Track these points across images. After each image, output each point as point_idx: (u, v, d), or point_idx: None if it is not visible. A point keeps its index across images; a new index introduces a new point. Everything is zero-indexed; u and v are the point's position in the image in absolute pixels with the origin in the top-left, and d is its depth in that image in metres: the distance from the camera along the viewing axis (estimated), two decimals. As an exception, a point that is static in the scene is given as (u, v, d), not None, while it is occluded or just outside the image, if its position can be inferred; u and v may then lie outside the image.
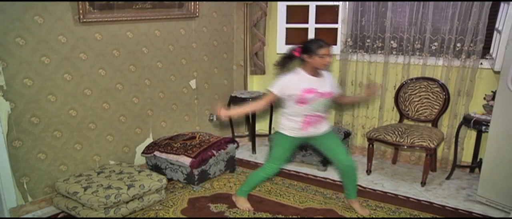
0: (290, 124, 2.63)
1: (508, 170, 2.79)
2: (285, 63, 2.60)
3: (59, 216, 2.86)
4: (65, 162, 3.01)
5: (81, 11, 2.84)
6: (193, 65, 3.85)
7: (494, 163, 2.87)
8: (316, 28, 4.12)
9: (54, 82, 2.84)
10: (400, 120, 3.73)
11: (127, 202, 2.74)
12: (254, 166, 3.77)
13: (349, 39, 3.85)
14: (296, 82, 2.50)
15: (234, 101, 4.16)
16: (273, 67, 2.79)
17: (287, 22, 4.25)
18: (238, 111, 2.81)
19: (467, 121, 3.24)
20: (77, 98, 2.99)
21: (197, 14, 3.70)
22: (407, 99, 3.65)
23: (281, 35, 4.29)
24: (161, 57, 3.54)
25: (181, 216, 2.85)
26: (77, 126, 3.03)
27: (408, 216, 2.83)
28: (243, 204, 2.94)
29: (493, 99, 3.10)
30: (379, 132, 3.39)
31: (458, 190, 3.27)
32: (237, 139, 3.85)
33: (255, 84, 4.57)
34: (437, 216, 2.84)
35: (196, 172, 3.18)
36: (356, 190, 2.86)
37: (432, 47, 3.50)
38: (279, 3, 4.19)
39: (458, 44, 3.40)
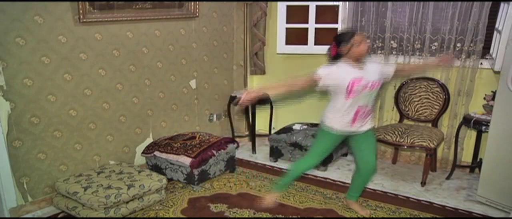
0: (337, 119, 2.55)
1: (508, 170, 2.79)
2: (332, 63, 2.54)
3: (59, 216, 2.86)
4: (65, 162, 3.01)
5: (81, 11, 2.84)
6: (193, 65, 3.85)
7: (494, 163, 2.87)
8: (316, 28, 4.12)
9: (54, 82, 2.84)
10: (400, 120, 3.73)
11: (127, 202, 2.74)
12: (254, 166, 3.77)
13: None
14: (343, 72, 2.43)
15: (234, 101, 4.16)
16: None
17: (287, 22, 4.25)
18: (274, 86, 2.62)
19: (467, 121, 3.24)
20: (77, 98, 2.99)
21: (197, 14, 3.70)
22: (407, 99, 3.65)
23: (281, 35, 4.29)
24: (161, 57, 3.54)
25: (181, 216, 2.85)
26: (77, 126, 3.03)
27: (408, 216, 2.83)
28: (272, 198, 2.87)
29: (493, 99, 3.10)
30: (379, 132, 3.39)
31: (458, 190, 3.27)
32: (237, 139, 3.86)
33: (255, 84, 4.57)
34: (437, 216, 2.84)
35: (196, 172, 3.18)
36: (361, 193, 2.87)
37: (432, 47, 3.50)
38: (279, 3, 4.19)
39: (458, 44, 3.40)
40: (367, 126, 2.62)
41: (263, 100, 4.16)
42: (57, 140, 2.93)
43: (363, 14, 3.72)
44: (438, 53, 3.49)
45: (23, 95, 2.70)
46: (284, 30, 4.28)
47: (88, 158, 3.16)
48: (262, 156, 4.05)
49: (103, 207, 2.60)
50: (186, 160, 3.14)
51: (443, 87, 3.48)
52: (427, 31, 3.46)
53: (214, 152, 3.31)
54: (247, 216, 2.84)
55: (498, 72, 3.07)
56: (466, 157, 3.59)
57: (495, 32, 3.24)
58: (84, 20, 2.88)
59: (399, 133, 3.31)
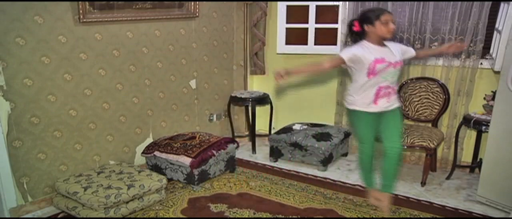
0: (361, 99, 2.56)
1: (508, 170, 2.79)
2: (353, 40, 2.57)
3: (59, 216, 2.86)
4: (65, 162, 3.01)
5: (81, 11, 2.84)
6: (193, 65, 3.85)
7: (494, 163, 2.87)
8: (316, 28, 4.12)
9: (54, 82, 2.84)
10: (400, 120, 3.73)
11: (127, 202, 2.74)
12: (254, 166, 3.77)
13: (349, 39, 3.84)
14: (365, 52, 2.44)
15: (234, 101, 4.17)
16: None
17: (287, 22, 4.25)
18: (300, 69, 2.66)
19: (467, 121, 3.24)
20: (77, 98, 2.99)
21: (197, 14, 3.70)
22: (407, 99, 3.65)
23: (281, 35, 4.29)
24: (161, 57, 3.54)
25: (181, 216, 2.85)
26: (77, 126, 3.03)
27: (408, 216, 2.83)
28: (383, 197, 2.78)
29: (493, 99, 3.10)
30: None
31: (458, 190, 3.27)
32: (237, 139, 3.86)
33: (255, 84, 4.57)
34: (437, 216, 2.84)
35: (196, 172, 3.18)
36: (393, 182, 2.73)
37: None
38: (279, 3, 4.19)
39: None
40: (393, 105, 2.61)
41: (263, 99, 4.17)
42: (57, 140, 2.93)
43: (363, 14, 3.72)
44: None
45: (23, 95, 2.70)
46: (284, 30, 4.28)
47: (88, 158, 3.16)
48: (262, 156, 4.05)
49: (103, 207, 2.60)
50: (186, 160, 3.14)
51: (443, 87, 3.48)
52: (427, 31, 3.46)
53: (214, 152, 3.31)
54: (247, 216, 2.84)
55: (498, 72, 3.07)
56: (466, 157, 3.59)
57: (495, 32, 3.24)
58: (84, 20, 2.88)
59: (399, 133, 3.31)
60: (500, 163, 2.83)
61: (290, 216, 2.84)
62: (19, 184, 2.80)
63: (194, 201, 3.06)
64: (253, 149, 4.16)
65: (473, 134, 3.49)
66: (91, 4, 2.90)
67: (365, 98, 2.56)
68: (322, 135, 3.68)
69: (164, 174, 3.31)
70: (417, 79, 3.61)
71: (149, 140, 3.58)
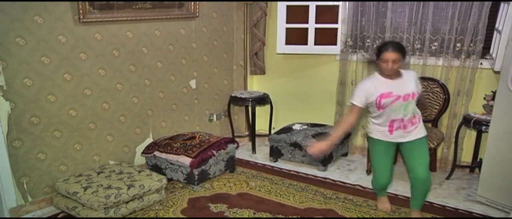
0: (377, 128, 2.56)
1: (508, 170, 2.79)
2: (368, 69, 2.55)
3: (59, 216, 2.86)
4: (65, 162, 3.01)
5: (81, 11, 2.84)
6: (193, 65, 3.85)
7: (494, 163, 2.87)
8: (316, 28, 4.12)
9: (54, 82, 2.84)
10: (400, 120, 3.72)
11: (127, 202, 2.74)
12: (254, 166, 3.77)
13: (349, 39, 3.85)
14: (373, 87, 2.44)
15: (234, 101, 4.17)
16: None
17: (287, 22, 4.25)
18: (333, 140, 2.57)
19: (467, 121, 3.24)
20: (77, 98, 2.99)
21: (197, 14, 3.70)
22: (407, 99, 3.64)
23: (281, 35, 4.28)
24: (161, 57, 3.54)
25: (181, 216, 2.85)
26: (77, 126, 3.03)
27: (408, 216, 2.83)
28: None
29: (493, 99, 3.10)
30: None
31: (458, 190, 3.27)
32: (237, 139, 3.85)
33: (255, 84, 4.57)
34: (437, 216, 2.84)
35: (196, 172, 3.18)
36: (421, 203, 2.67)
37: (432, 47, 3.50)
38: (279, 3, 4.19)
39: (458, 44, 3.40)
40: (412, 135, 2.51)
41: (263, 99, 4.17)
42: (57, 140, 2.93)
43: (363, 14, 3.72)
44: (438, 53, 3.49)
45: (23, 95, 2.70)
46: (284, 30, 4.28)
47: (88, 158, 3.15)
48: (262, 156, 4.05)
49: (103, 207, 2.60)
50: (186, 160, 3.14)
51: (443, 87, 3.48)
52: (427, 31, 3.46)
53: (214, 152, 3.31)
54: (247, 216, 2.84)
55: (498, 72, 3.07)
56: (466, 157, 3.59)
57: (495, 32, 3.24)
58: (84, 20, 2.88)
59: (399, 133, 3.31)
60: (500, 163, 2.83)
61: (290, 216, 2.83)
62: (19, 184, 2.80)
63: (194, 201, 3.06)
64: (253, 149, 4.16)
65: (473, 134, 3.49)
66: (91, 4, 2.90)
67: (381, 128, 2.55)
68: (322, 135, 3.68)
69: (164, 174, 3.31)
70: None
71: (149, 140, 3.58)
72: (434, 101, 3.53)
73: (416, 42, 3.54)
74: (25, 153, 2.78)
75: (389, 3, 3.56)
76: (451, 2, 3.33)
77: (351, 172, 3.64)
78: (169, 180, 3.31)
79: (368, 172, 3.57)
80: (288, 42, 4.30)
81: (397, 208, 2.95)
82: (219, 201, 3.06)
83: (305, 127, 3.92)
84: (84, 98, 3.03)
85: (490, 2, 3.18)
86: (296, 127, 3.93)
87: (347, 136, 3.89)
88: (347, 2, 3.80)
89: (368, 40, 3.75)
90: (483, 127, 3.11)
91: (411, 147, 2.54)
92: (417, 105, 2.53)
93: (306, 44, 4.19)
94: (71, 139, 3.01)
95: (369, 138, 2.72)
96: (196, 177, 3.20)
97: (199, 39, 3.85)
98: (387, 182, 2.74)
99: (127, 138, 3.41)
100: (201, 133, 3.59)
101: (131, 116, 3.39)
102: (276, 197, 3.12)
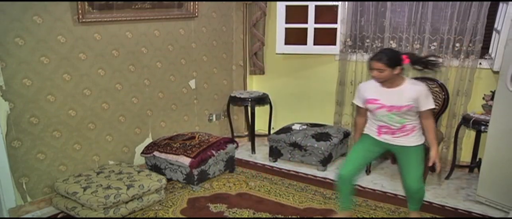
0: (369, 126, 2.61)
1: (507, 169, 2.79)
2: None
3: (58, 216, 2.86)
4: (65, 162, 3.01)
5: (80, 11, 2.84)
6: (192, 65, 3.85)
7: (493, 163, 2.87)
8: (315, 28, 4.12)
9: (53, 82, 2.83)
10: (399, 120, 3.73)
11: (127, 202, 2.74)
12: (253, 166, 3.77)
13: (348, 39, 3.85)
14: (365, 90, 2.51)
15: (234, 101, 4.17)
16: None
17: (286, 22, 4.24)
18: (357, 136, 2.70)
19: (466, 121, 3.24)
20: (76, 98, 2.99)
21: (196, 14, 3.70)
22: (406, 99, 3.64)
23: (280, 35, 4.28)
24: (161, 57, 3.54)
25: (181, 216, 2.85)
26: (77, 126, 3.03)
27: (408, 216, 2.83)
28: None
29: (492, 99, 3.11)
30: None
31: (457, 190, 3.27)
32: (236, 139, 3.86)
33: (255, 84, 4.57)
34: (437, 216, 2.85)
35: (195, 172, 3.18)
36: (418, 206, 2.64)
37: (431, 47, 3.51)
38: (278, 3, 4.18)
39: (457, 44, 3.40)
40: (403, 141, 2.48)
41: (262, 99, 4.17)
42: (56, 140, 2.93)
43: (362, 14, 3.72)
44: (437, 53, 3.49)
45: (22, 95, 2.70)
46: (283, 30, 4.28)
47: (88, 158, 3.15)
48: (261, 156, 4.05)
49: (103, 207, 2.59)
50: (186, 160, 3.14)
51: (442, 87, 3.48)
52: (426, 31, 3.47)
53: (214, 152, 3.31)
54: (246, 216, 2.84)
55: (497, 72, 3.07)
56: (465, 157, 3.59)
57: (494, 32, 3.24)
58: (84, 20, 2.88)
59: (399, 133, 3.31)
60: (499, 162, 2.83)
61: (290, 216, 2.84)
62: (18, 185, 2.79)
63: (193, 201, 3.06)
64: (253, 149, 4.16)
65: (472, 134, 3.50)
66: (91, 4, 2.90)
67: (372, 126, 2.59)
68: (322, 135, 3.68)
69: (163, 174, 3.31)
70: (416, 79, 3.60)
71: (149, 140, 3.58)
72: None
73: (415, 42, 3.55)
74: (24, 153, 2.78)
75: (388, 3, 3.56)
76: (450, 2, 3.33)
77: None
78: (169, 180, 3.31)
79: (368, 172, 3.57)
80: (287, 42, 4.30)
81: (397, 208, 2.95)
82: (219, 201, 3.06)
83: (305, 127, 3.92)
84: (83, 98, 3.03)
85: (489, 2, 3.18)
86: (296, 127, 3.93)
87: (347, 136, 3.89)
88: (346, 2, 3.80)
89: (367, 40, 3.75)
90: (482, 127, 3.11)
91: (403, 154, 2.51)
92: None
93: (306, 44, 4.19)
94: (70, 139, 3.01)
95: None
96: (196, 177, 3.20)
97: (199, 39, 3.85)
98: (347, 175, 2.52)
99: (127, 138, 3.41)
100: (201, 133, 3.59)
101: (130, 116, 3.39)
102: (276, 197, 3.12)
